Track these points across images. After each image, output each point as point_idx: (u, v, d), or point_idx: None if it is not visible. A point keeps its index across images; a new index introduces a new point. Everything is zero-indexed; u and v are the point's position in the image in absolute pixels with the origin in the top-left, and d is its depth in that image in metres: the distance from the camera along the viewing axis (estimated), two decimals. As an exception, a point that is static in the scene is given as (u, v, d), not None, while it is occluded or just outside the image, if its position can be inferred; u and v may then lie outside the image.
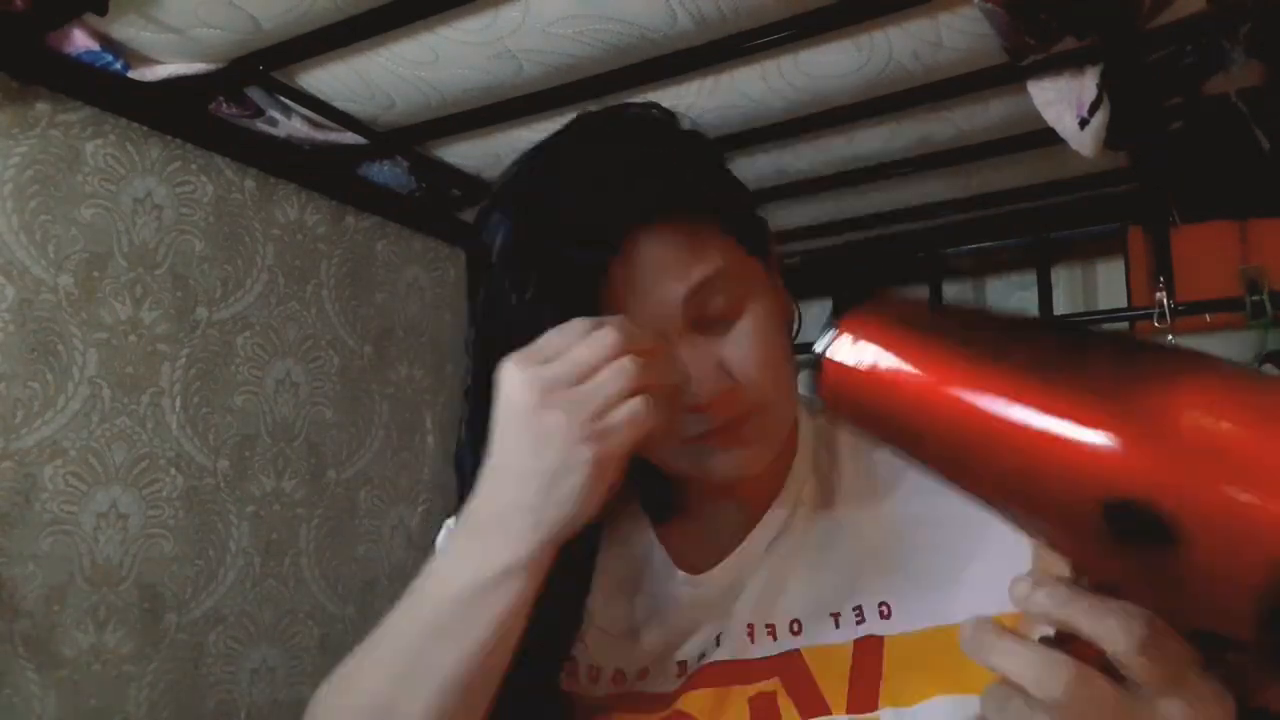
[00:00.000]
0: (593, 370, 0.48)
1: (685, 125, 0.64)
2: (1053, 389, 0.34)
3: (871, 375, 0.39)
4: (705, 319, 0.56)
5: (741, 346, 0.57)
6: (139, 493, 1.06)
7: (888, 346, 0.39)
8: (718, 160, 0.65)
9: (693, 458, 0.59)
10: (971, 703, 0.55)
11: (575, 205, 0.54)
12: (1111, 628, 0.34)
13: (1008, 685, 0.37)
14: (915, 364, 0.38)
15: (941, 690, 0.56)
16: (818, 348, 0.42)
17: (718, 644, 0.63)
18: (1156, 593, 0.34)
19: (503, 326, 0.55)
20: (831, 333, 0.41)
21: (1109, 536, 0.32)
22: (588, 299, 0.54)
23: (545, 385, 0.48)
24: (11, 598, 0.94)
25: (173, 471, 1.10)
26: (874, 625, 0.60)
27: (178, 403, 1.11)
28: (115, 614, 1.03)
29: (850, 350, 0.40)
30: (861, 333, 0.41)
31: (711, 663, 0.63)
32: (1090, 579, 0.37)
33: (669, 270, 0.55)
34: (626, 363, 0.48)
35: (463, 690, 0.51)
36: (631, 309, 0.54)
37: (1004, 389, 0.35)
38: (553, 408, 0.48)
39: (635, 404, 0.48)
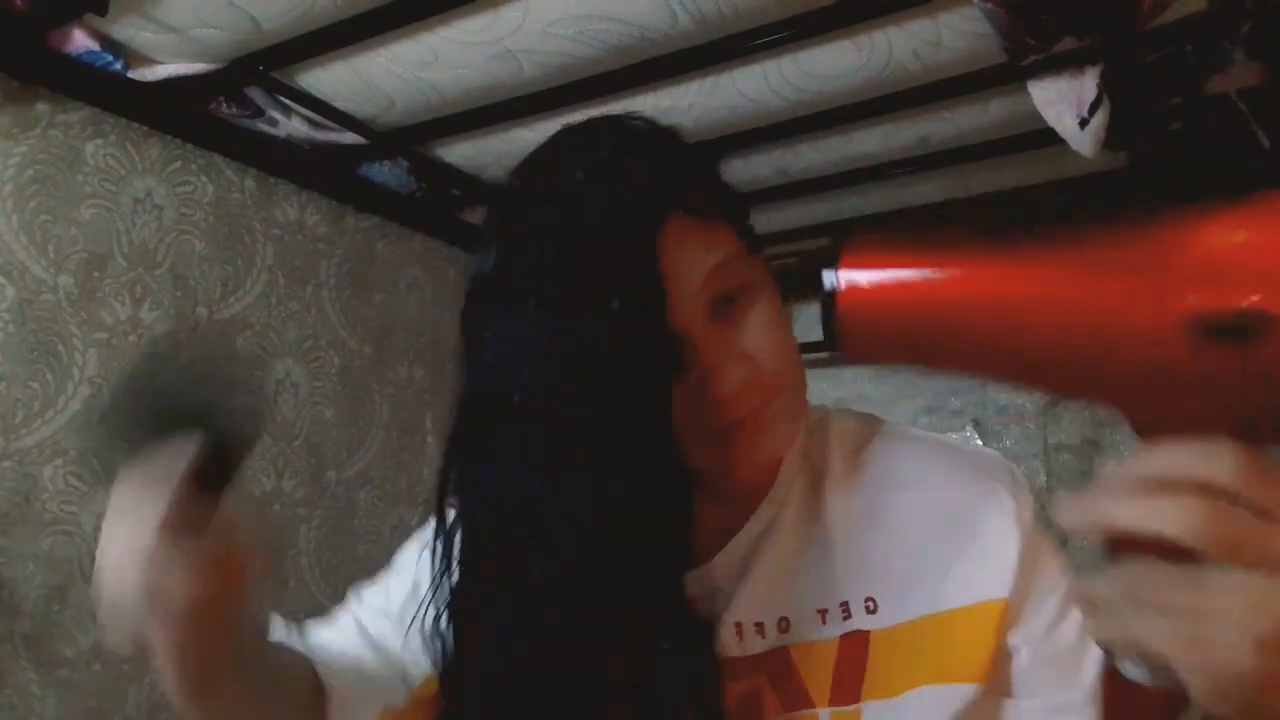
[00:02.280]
0: None
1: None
2: (1097, 247, 0.36)
3: (892, 291, 0.39)
4: (723, 306, 0.57)
5: (761, 332, 0.57)
6: (139, 493, 1.06)
7: (902, 263, 0.39)
8: (715, 160, 0.66)
9: (722, 446, 0.59)
10: (955, 692, 0.56)
11: (617, 194, 0.54)
12: (1212, 460, 0.35)
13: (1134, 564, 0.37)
14: (938, 266, 0.38)
15: (925, 680, 0.57)
16: (826, 286, 0.40)
17: None
18: (1244, 393, 0.35)
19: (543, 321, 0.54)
20: (832, 271, 0.40)
21: (1198, 344, 0.34)
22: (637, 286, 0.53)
23: None
24: (11, 598, 0.94)
25: (173, 471, 1.10)
26: (860, 620, 0.60)
27: (178, 403, 1.11)
28: (115, 614, 1.03)
29: (862, 276, 0.39)
30: (866, 259, 0.40)
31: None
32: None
33: (691, 253, 0.55)
34: None
35: None
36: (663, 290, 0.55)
37: (1047, 262, 0.36)
38: None
39: None
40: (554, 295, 0.52)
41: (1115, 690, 0.40)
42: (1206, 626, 0.35)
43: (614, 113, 0.64)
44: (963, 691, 0.56)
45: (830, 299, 0.40)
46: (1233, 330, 0.34)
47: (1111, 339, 0.36)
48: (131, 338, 1.07)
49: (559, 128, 0.61)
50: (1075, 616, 0.59)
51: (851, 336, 0.40)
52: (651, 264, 0.52)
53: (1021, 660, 0.58)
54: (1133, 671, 0.38)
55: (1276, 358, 0.34)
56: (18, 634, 0.94)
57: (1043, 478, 1.57)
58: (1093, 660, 0.59)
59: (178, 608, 0.49)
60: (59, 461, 0.99)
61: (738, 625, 0.63)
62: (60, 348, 1.00)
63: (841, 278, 0.40)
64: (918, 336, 0.40)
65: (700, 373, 0.55)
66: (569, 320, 0.52)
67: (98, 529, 1.03)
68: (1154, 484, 0.36)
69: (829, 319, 0.40)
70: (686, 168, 0.58)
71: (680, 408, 0.54)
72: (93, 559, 1.00)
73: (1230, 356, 0.34)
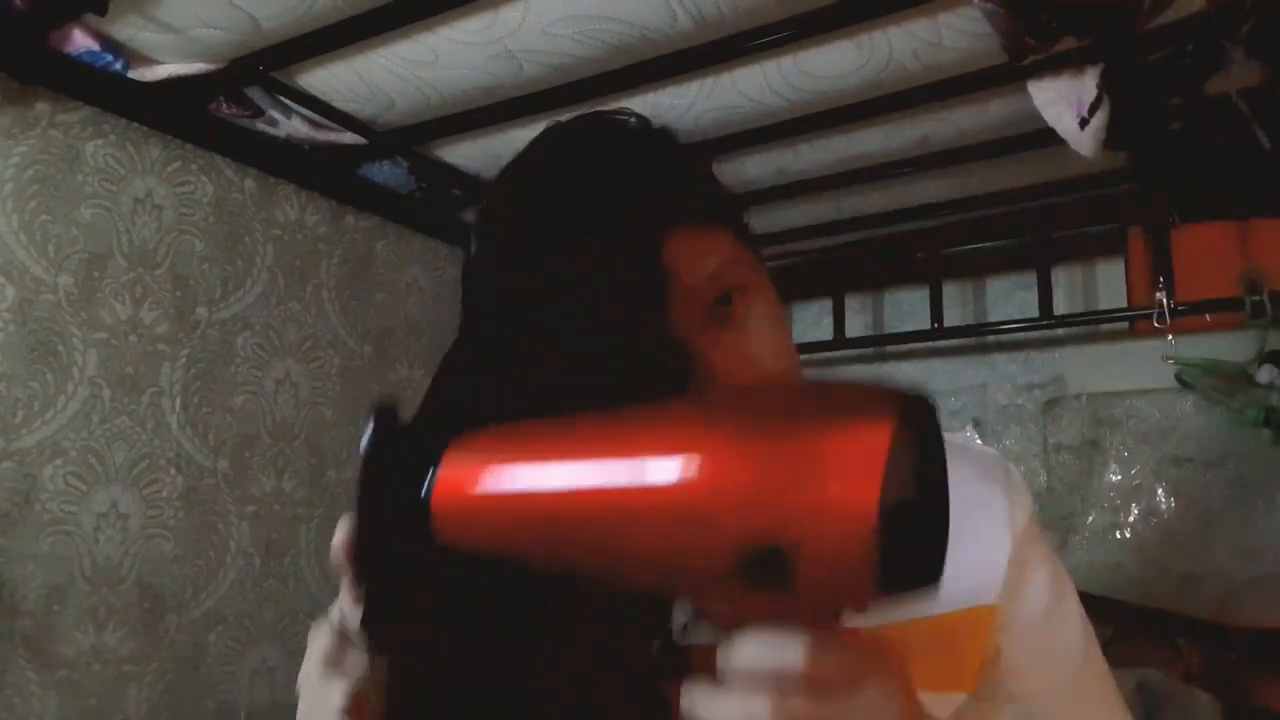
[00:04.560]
0: None
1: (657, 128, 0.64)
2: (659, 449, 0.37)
3: (485, 496, 0.41)
4: (721, 310, 0.57)
5: (759, 334, 0.58)
6: (139, 493, 1.06)
7: (494, 456, 0.41)
8: (710, 162, 0.66)
9: None
10: (946, 700, 0.55)
11: (620, 201, 0.54)
12: (783, 651, 0.38)
13: None
14: (521, 457, 0.40)
15: (918, 686, 0.56)
16: (422, 494, 0.42)
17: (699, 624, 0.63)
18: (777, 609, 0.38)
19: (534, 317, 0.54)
20: (431, 471, 0.42)
21: (742, 580, 0.35)
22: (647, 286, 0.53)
23: None
24: (11, 598, 0.94)
25: (173, 471, 1.10)
26: (847, 618, 0.60)
27: (178, 403, 1.11)
28: (115, 614, 1.03)
29: (455, 473, 0.41)
30: (463, 457, 0.42)
31: (690, 645, 0.63)
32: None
33: (690, 259, 0.56)
34: None
35: None
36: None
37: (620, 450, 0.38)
38: None
39: None
40: (556, 298, 0.52)
41: None
42: None
43: (603, 109, 0.63)
44: (953, 700, 0.56)
45: (426, 505, 0.42)
46: (772, 568, 0.35)
47: (670, 566, 0.38)
48: (131, 338, 1.07)
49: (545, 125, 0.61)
50: (1056, 623, 0.59)
51: (451, 537, 0.43)
52: (658, 270, 0.53)
53: (1003, 664, 0.58)
54: None
55: (815, 590, 0.35)
56: (18, 634, 0.94)
57: (1043, 478, 1.56)
58: (1070, 666, 0.59)
59: None
60: (59, 461, 0.99)
61: None
62: (60, 348, 1.00)
63: (438, 480, 0.42)
64: (515, 531, 0.41)
65: (699, 378, 0.55)
66: (570, 327, 0.51)
67: (98, 529, 1.04)
68: (736, 678, 0.39)
69: (428, 525, 0.42)
70: (684, 173, 0.58)
71: None
72: (93, 559, 1.00)
73: (776, 596, 0.35)
